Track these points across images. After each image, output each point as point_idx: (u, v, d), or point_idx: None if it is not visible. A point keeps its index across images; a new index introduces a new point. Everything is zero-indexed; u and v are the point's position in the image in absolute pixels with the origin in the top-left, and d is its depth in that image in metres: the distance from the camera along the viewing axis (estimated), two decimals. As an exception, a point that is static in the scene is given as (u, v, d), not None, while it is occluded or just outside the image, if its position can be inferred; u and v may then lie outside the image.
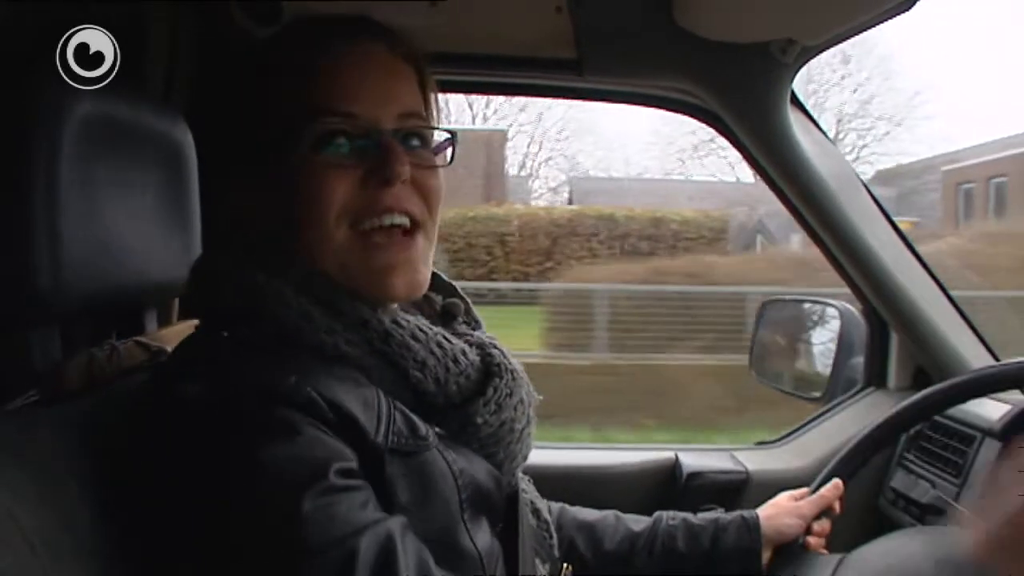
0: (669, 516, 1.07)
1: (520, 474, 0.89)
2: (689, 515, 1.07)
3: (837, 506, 1.07)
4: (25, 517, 0.64)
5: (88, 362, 0.83)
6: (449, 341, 0.78)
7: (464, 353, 0.78)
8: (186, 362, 0.75)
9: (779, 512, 1.07)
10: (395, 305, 0.79)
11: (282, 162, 0.75)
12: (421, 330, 0.77)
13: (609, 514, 1.08)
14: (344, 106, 0.75)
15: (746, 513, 1.06)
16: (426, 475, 0.73)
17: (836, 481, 1.07)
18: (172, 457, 0.69)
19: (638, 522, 1.07)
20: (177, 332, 0.98)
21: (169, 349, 0.95)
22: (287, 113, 0.75)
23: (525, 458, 0.85)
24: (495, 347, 0.83)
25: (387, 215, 0.76)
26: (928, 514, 1.20)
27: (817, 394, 1.59)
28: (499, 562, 0.79)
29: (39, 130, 0.74)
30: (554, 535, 0.95)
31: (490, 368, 0.80)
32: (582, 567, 1.00)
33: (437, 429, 0.76)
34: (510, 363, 0.82)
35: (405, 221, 0.77)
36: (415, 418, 0.74)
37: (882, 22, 1.15)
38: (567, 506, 1.08)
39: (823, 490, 1.06)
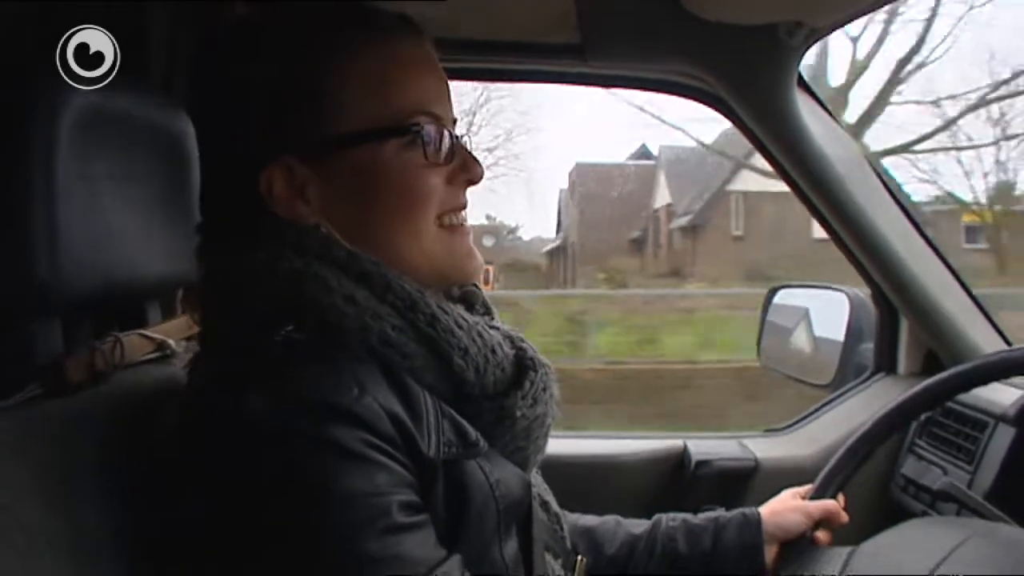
0: (669, 518, 1.06)
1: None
2: (689, 516, 1.06)
3: (844, 516, 1.05)
4: (24, 513, 0.64)
5: (91, 355, 0.82)
6: (487, 331, 0.77)
7: (500, 345, 0.78)
8: (239, 368, 0.70)
9: (783, 508, 1.05)
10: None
11: (365, 158, 0.75)
12: (463, 318, 0.76)
13: (609, 519, 1.07)
14: (431, 107, 0.77)
15: (747, 510, 1.05)
16: (465, 489, 0.71)
17: (841, 498, 1.06)
18: (213, 467, 0.67)
19: (638, 525, 1.06)
20: (180, 324, 0.98)
21: (172, 342, 0.95)
22: (368, 111, 0.75)
23: (544, 452, 0.84)
24: (523, 341, 0.82)
25: (463, 211, 0.80)
26: (939, 501, 1.19)
27: (826, 381, 1.58)
28: (520, 566, 0.78)
29: (37, 124, 0.73)
30: (564, 527, 0.93)
31: (523, 362, 0.79)
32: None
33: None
34: (541, 358, 0.81)
35: (465, 216, 0.81)
36: (463, 422, 0.73)
37: (888, 3, 1.14)
38: (567, 512, 1.05)
39: (827, 502, 1.05)
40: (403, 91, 0.76)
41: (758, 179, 11.43)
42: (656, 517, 1.07)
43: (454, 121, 0.80)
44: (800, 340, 1.71)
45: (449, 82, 0.82)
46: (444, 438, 0.71)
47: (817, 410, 1.56)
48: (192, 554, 0.69)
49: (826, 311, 1.64)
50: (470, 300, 0.85)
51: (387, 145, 0.75)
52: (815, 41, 1.23)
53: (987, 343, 1.38)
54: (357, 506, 0.63)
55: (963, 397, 1.20)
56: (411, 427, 0.68)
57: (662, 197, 17.86)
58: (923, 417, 1.31)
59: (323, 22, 0.76)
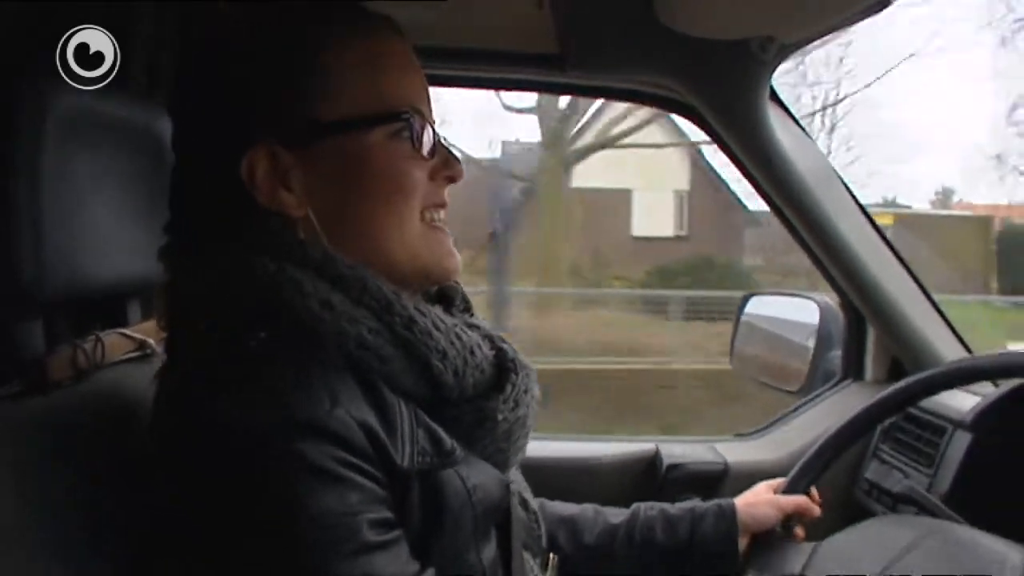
0: (647, 507, 1.08)
1: None
2: (667, 505, 1.08)
3: (817, 510, 1.09)
4: (1, 511, 0.65)
5: (72, 353, 0.83)
6: (466, 333, 0.77)
7: (479, 346, 0.77)
8: (211, 375, 0.68)
9: (757, 501, 1.09)
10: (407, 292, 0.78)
11: (352, 145, 0.74)
12: (441, 320, 0.75)
13: (588, 507, 1.09)
14: (416, 102, 0.78)
15: (723, 502, 1.08)
16: (441, 495, 0.71)
17: (814, 492, 1.10)
18: (183, 477, 0.66)
19: (617, 515, 1.08)
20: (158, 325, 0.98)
21: (153, 341, 0.95)
22: (358, 98, 0.74)
23: (524, 453, 0.85)
24: (503, 341, 0.82)
25: (443, 209, 0.80)
26: (900, 503, 1.22)
27: (796, 387, 1.61)
28: (499, 567, 0.79)
29: (20, 125, 0.74)
30: (542, 526, 0.94)
31: (504, 363, 0.79)
32: (563, 562, 1.01)
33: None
34: (522, 359, 0.81)
35: (444, 215, 0.81)
36: (439, 430, 0.72)
37: (859, 20, 1.16)
38: (547, 501, 1.08)
39: (798, 498, 1.09)
40: (390, 81, 0.76)
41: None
42: (635, 506, 1.09)
43: (433, 123, 0.80)
44: (771, 347, 1.74)
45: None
46: (418, 447, 0.70)
47: (786, 415, 1.59)
48: (171, 556, 0.69)
49: (796, 318, 1.67)
50: (449, 296, 0.86)
51: (374, 133, 0.74)
52: (787, 56, 1.27)
53: (948, 350, 1.42)
54: (327, 527, 0.63)
55: (924, 403, 1.23)
56: (384, 438, 0.67)
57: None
58: (887, 422, 1.34)
59: (312, 12, 0.77)
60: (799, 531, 1.08)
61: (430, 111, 0.80)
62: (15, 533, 0.65)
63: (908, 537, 0.91)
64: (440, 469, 0.71)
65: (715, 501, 1.08)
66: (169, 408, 0.71)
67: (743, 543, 1.06)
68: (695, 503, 1.09)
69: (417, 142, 0.76)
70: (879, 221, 1.44)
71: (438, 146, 0.79)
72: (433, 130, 0.79)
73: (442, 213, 0.80)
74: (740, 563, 1.05)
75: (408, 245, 0.77)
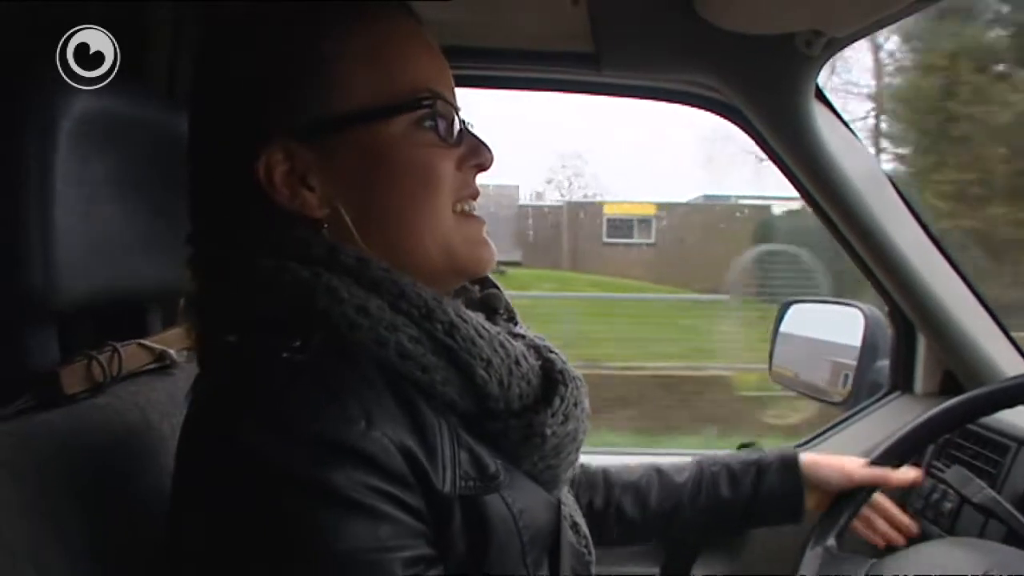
0: (710, 462, 1.08)
1: None
2: (730, 459, 1.08)
3: (901, 478, 1.06)
4: (7, 528, 0.62)
5: (87, 365, 0.80)
6: (510, 342, 0.72)
7: (524, 356, 0.72)
8: (237, 390, 0.65)
9: (824, 462, 1.07)
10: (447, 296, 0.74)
11: (372, 138, 0.69)
12: (484, 327, 0.70)
13: (650, 468, 1.08)
14: (437, 87, 0.72)
15: (786, 452, 1.08)
16: (485, 521, 0.66)
17: (908, 470, 1.06)
18: (205, 499, 0.62)
19: (680, 472, 1.07)
20: (181, 334, 0.95)
21: (173, 352, 0.92)
22: (373, 88, 0.70)
23: (576, 469, 0.81)
24: (551, 350, 0.77)
25: (474, 199, 0.76)
26: (983, 515, 1.14)
27: (840, 398, 1.56)
28: None
29: (33, 127, 0.72)
30: (592, 552, 0.87)
31: (551, 375, 0.73)
32: (630, 529, 1.04)
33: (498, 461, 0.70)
34: (572, 369, 0.76)
35: (475, 205, 0.77)
36: (482, 453, 0.68)
37: (911, 13, 1.11)
38: (609, 468, 1.08)
39: (882, 470, 1.05)
40: (407, 66, 0.71)
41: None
42: (697, 461, 1.08)
43: (458, 109, 0.75)
44: (813, 357, 1.69)
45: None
46: (461, 471, 0.66)
47: (832, 427, 1.53)
48: None
49: (839, 327, 1.62)
50: (491, 304, 0.81)
51: (396, 123, 0.70)
52: (834, 52, 1.21)
53: (1007, 364, 1.35)
54: (354, 564, 0.58)
55: (984, 419, 1.16)
56: (424, 462, 0.63)
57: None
58: (942, 439, 1.28)
59: (310, 1, 0.72)
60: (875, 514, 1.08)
61: (453, 96, 0.75)
62: (24, 552, 0.63)
63: (976, 564, 0.85)
64: (484, 494, 0.67)
65: (778, 451, 1.09)
66: (194, 426, 0.67)
67: (810, 500, 1.06)
68: (760, 453, 1.09)
69: (445, 128, 0.72)
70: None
71: (465, 133, 0.74)
72: (458, 116, 0.74)
73: (473, 203, 0.76)
74: (805, 514, 1.06)
75: (440, 239, 0.72)
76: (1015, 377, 1.08)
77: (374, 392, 0.64)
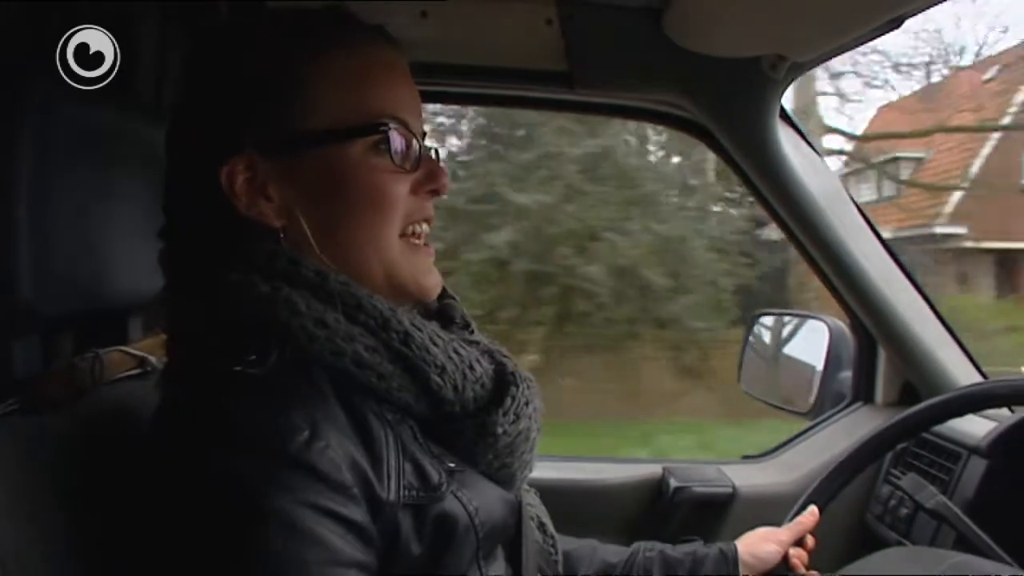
0: (646, 548, 1.05)
1: (525, 487, 0.88)
2: (667, 547, 1.06)
3: (810, 541, 1.05)
4: None
5: (70, 371, 0.81)
6: (464, 348, 0.76)
7: (478, 361, 0.76)
8: (192, 401, 0.68)
9: (757, 539, 1.05)
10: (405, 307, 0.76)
11: (331, 158, 0.73)
12: (438, 335, 0.74)
13: (587, 543, 1.06)
14: (401, 114, 0.75)
15: (724, 546, 1.04)
16: (441, 524, 0.70)
17: (812, 508, 1.06)
18: (160, 504, 0.65)
19: (615, 553, 1.05)
20: (161, 342, 0.97)
21: (154, 358, 0.94)
22: (337, 110, 0.73)
23: (532, 468, 0.83)
24: (504, 355, 0.81)
25: (426, 223, 0.78)
26: (913, 529, 1.20)
27: (804, 409, 1.59)
28: None
29: (24, 137, 0.73)
30: (559, 551, 0.92)
31: (504, 377, 0.77)
32: None
33: (451, 463, 0.73)
34: (523, 372, 0.80)
35: (428, 229, 0.79)
36: (426, 464, 0.71)
37: (872, 39, 1.16)
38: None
39: (800, 517, 1.05)
40: (373, 93, 0.74)
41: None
42: (635, 546, 1.06)
43: (423, 134, 0.79)
44: (779, 367, 1.72)
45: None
46: (404, 481, 0.68)
47: (796, 438, 1.57)
48: None
49: (806, 339, 1.65)
50: (448, 314, 0.84)
51: (353, 146, 0.73)
52: (798, 75, 1.26)
53: (962, 374, 1.40)
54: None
55: (938, 428, 1.20)
56: (368, 470, 0.66)
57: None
58: (898, 447, 1.32)
59: (299, 20, 0.75)
60: (794, 554, 1.03)
61: (417, 122, 0.78)
62: (9, 555, 0.64)
63: (926, 570, 0.88)
64: (428, 503, 0.70)
65: (717, 545, 1.05)
66: (153, 431, 0.70)
67: None
68: (696, 546, 1.06)
69: (396, 155, 0.74)
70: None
71: (424, 158, 0.77)
72: (418, 141, 0.76)
73: (426, 227, 0.78)
74: None
75: (385, 261, 0.75)
76: (966, 387, 1.13)
77: (325, 405, 0.67)
